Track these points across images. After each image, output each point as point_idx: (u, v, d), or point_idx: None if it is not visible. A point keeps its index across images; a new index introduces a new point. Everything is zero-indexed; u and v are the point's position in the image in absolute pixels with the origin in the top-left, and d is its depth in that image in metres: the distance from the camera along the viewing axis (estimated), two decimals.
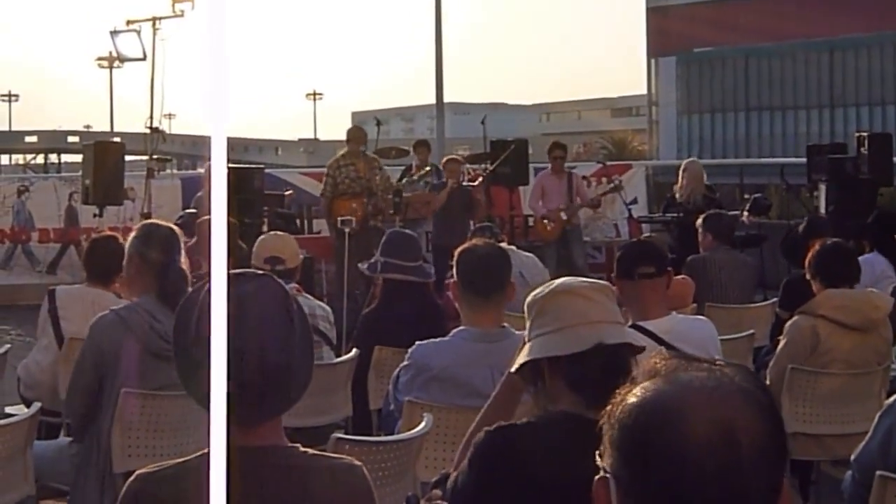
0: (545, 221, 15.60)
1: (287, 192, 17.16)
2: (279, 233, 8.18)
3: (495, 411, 3.84)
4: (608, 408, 1.84)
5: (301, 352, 2.80)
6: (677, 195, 14.51)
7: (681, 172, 14.76)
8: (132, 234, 6.05)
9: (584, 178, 17.75)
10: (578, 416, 3.23)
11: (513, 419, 3.60)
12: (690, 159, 16.15)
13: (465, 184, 16.17)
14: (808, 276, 7.14)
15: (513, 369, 3.58)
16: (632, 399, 1.80)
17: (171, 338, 5.44)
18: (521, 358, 3.51)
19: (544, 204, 15.70)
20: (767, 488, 1.74)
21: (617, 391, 1.86)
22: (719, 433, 1.71)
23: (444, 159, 16.36)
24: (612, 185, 16.38)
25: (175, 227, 6.04)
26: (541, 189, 15.83)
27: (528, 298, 3.62)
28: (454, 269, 5.46)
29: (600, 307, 3.48)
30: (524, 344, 3.56)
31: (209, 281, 1.79)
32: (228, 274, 2.70)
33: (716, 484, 1.70)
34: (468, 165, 17.78)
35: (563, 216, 15.52)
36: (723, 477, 1.70)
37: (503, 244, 8.21)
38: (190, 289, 5.67)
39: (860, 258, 9.17)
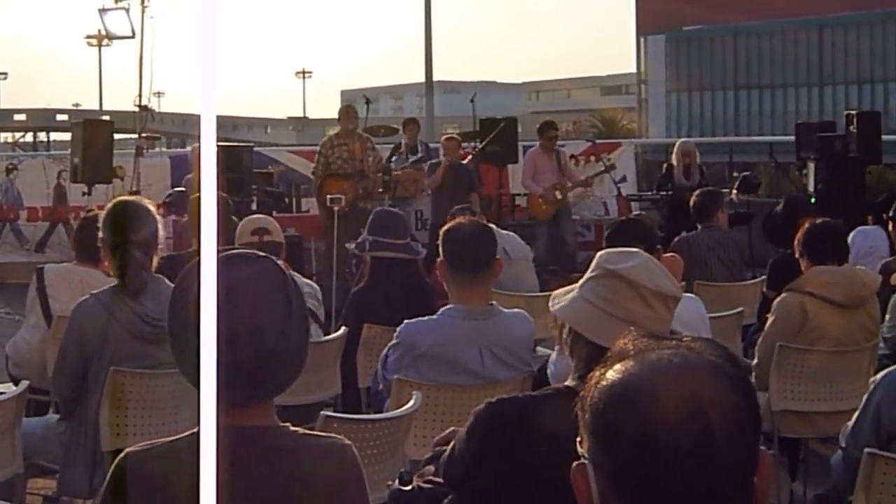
0: (540, 200, 15.55)
1: (279, 167, 17.21)
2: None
3: None
4: (581, 393, 1.84)
5: (297, 336, 2.79)
6: (683, 178, 14.55)
7: (677, 154, 14.82)
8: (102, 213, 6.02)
9: (573, 156, 17.85)
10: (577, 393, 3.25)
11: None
12: (683, 139, 16.19)
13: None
14: (796, 254, 7.15)
15: (552, 310, 3.50)
16: (602, 383, 1.80)
17: (152, 320, 5.46)
18: (558, 307, 3.45)
19: (537, 182, 15.65)
20: (743, 460, 1.74)
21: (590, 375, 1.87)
22: (688, 410, 1.71)
23: (443, 137, 16.34)
24: (603, 167, 16.37)
25: (144, 203, 5.97)
26: (533, 167, 15.74)
27: (603, 251, 3.52)
28: (440, 248, 5.45)
29: (651, 314, 3.37)
30: (576, 290, 3.48)
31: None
32: (223, 253, 2.73)
33: (690, 460, 1.70)
34: None
35: (558, 195, 15.49)
36: (696, 453, 1.70)
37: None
38: (147, 271, 5.69)
39: (859, 228, 9.25)
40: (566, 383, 3.39)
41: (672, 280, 3.50)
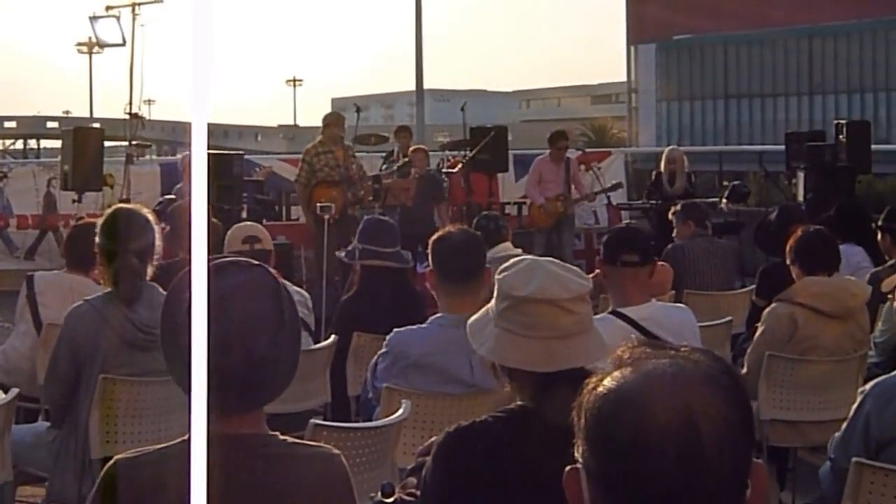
0: (541, 209, 15.48)
1: (265, 167, 17.23)
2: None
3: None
4: (578, 398, 1.85)
5: (288, 345, 2.79)
6: (667, 185, 14.57)
7: (665, 161, 14.82)
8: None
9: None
10: (534, 412, 3.28)
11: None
12: (672, 147, 16.19)
13: (444, 170, 16.17)
14: (787, 262, 7.14)
15: (480, 353, 3.54)
16: (598, 389, 1.81)
17: (146, 328, 5.45)
18: (488, 349, 3.46)
19: (541, 191, 15.60)
20: (732, 472, 1.75)
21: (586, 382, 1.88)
22: (678, 419, 1.72)
23: (412, 148, 16.29)
24: (612, 183, 16.39)
25: (143, 211, 5.96)
26: (538, 175, 15.60)
27: (502, 277, 3.51)
28: (430, 258, 5.45)
29: (576, 318, 3.39)
30: (492, 323, 3.49)
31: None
32: (217, 261, 2.73)
33: (677, 470, 1.70)
34: (448, 152, 17.76)
35: (560, 207, 15.40)
36: (684, 463, 1.70)
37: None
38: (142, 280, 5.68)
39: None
40: (518, 402, 3.39)
41: (577, 272, 3.53)
